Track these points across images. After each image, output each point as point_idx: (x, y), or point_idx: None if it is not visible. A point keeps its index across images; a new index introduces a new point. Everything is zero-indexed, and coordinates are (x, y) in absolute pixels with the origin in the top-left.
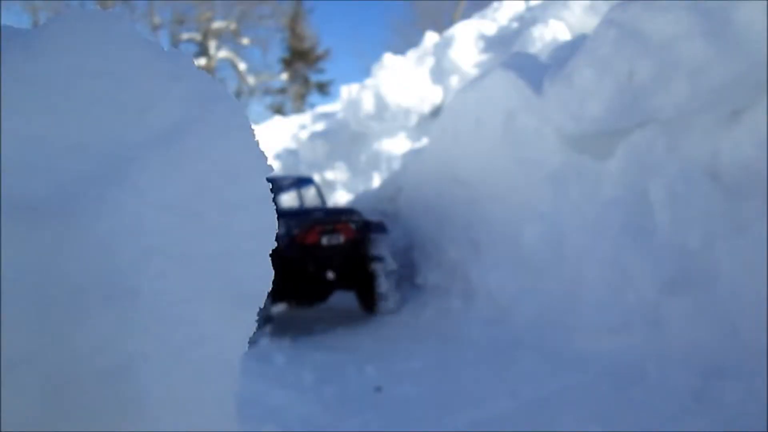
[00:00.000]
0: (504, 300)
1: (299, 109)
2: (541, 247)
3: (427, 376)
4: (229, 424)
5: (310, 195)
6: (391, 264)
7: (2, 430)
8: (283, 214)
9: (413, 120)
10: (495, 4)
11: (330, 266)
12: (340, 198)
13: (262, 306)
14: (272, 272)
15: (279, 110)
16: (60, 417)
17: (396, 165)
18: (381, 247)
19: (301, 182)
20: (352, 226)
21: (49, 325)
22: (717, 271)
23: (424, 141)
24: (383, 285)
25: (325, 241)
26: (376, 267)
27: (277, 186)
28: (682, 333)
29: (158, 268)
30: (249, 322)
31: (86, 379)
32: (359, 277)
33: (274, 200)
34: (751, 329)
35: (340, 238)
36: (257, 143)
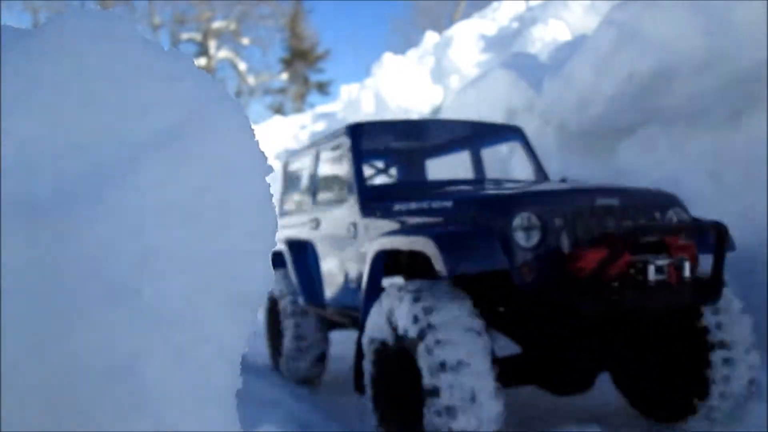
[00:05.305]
0: None
1: (299, 109)
2: None
3: None
4: (231, 424)
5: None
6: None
7: (2, 430)
8: (477, 202)
9: None
10: (495, 4)
11: (645, 329)
12: None
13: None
14: (272, 272)
15: (279, 110)
16: (60, 417)
17: None
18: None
19: (501, 133)
20: (684, 240)
21: (50, 325)
22: None
23: None
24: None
25: (651, 275)
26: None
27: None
28: None
29: (158, 268)
30: (249, 322)
31: (87, 378)
32: (689, 358)
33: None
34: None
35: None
36: (257, 143)
